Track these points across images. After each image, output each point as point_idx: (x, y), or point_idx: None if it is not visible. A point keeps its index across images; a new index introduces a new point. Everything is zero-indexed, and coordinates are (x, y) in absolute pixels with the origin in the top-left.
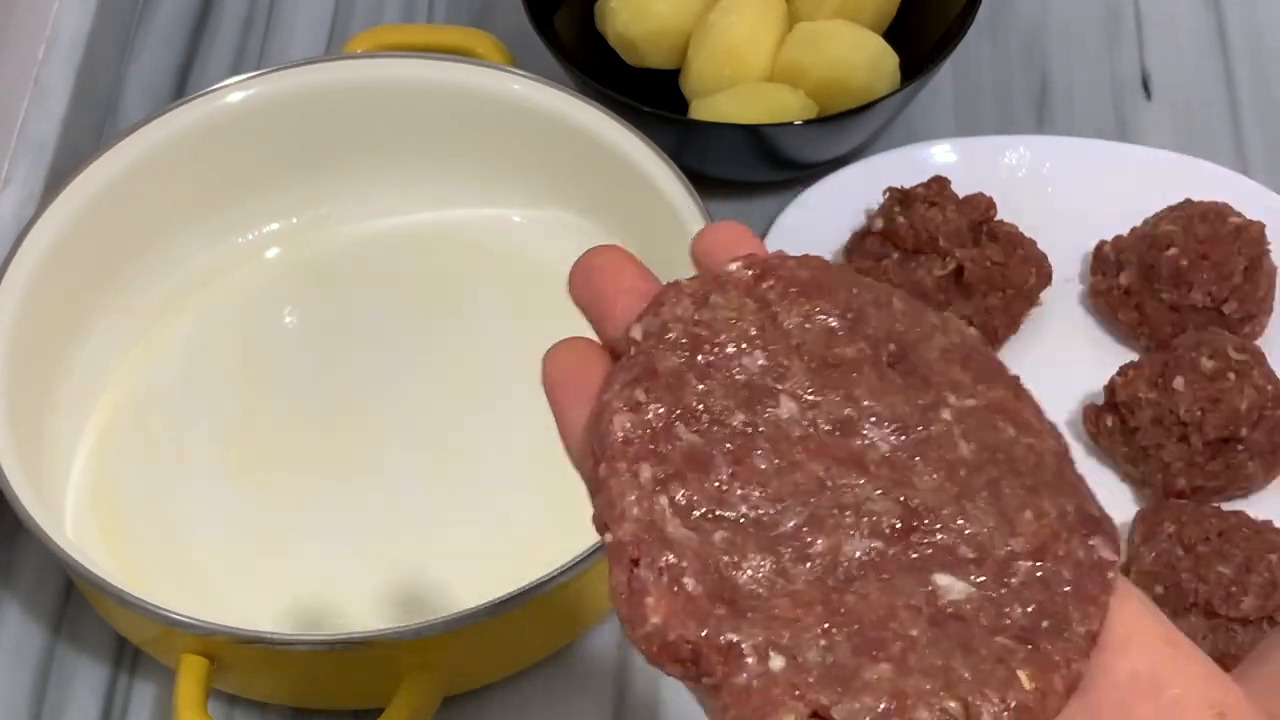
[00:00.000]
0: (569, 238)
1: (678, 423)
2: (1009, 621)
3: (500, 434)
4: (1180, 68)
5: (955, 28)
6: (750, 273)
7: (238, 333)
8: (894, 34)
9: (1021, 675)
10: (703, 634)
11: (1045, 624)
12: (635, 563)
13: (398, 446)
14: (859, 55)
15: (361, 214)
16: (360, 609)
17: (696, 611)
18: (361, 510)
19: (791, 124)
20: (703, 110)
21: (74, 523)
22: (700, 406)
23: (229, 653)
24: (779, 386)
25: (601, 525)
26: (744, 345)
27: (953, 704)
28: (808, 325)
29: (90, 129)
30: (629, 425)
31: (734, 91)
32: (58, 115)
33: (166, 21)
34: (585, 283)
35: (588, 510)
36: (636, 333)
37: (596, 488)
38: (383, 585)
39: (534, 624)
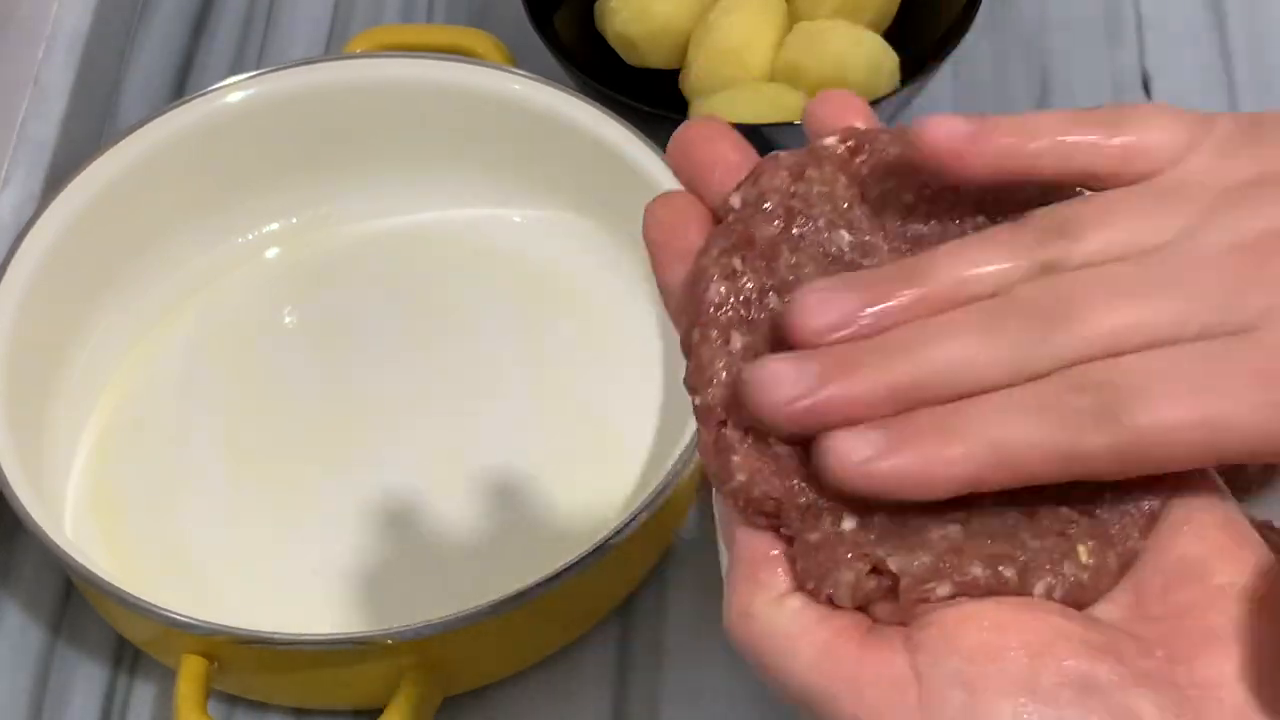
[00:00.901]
0: (569, 238)
1: (770, 293)
2: (1075, 489)
3: (501, 434)
4: (1180, 68)
5: (955, 28)
6: (845, 146)
7: (238, 333)
8: (894, 34)
9: (1080, 549)
10: (784, 491)
11: (1108, 495)
12: (722, 424)
13: (398, 446)
14: (859, 54)
15: (361, 214)
16: (360, 609)
17: (780, 470)
18: (361, 510)
19: (791, 124)
20: (704, 110)
21: (74, 523)
22: (792, 278)
23: (229, 653)
24: (864, 262)
25: (691, 388)
26: (835, 220)
27: (1008, 571)
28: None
29: (90, 129)
30: (723, 292)
31: (735, 91)
32: (58, 115)
33: (166, 21)
34: (684, 154)
35: (588, 510)
36: (735, 201)
37: (689, 351)
38: (383, 584)
39: (534, 624)
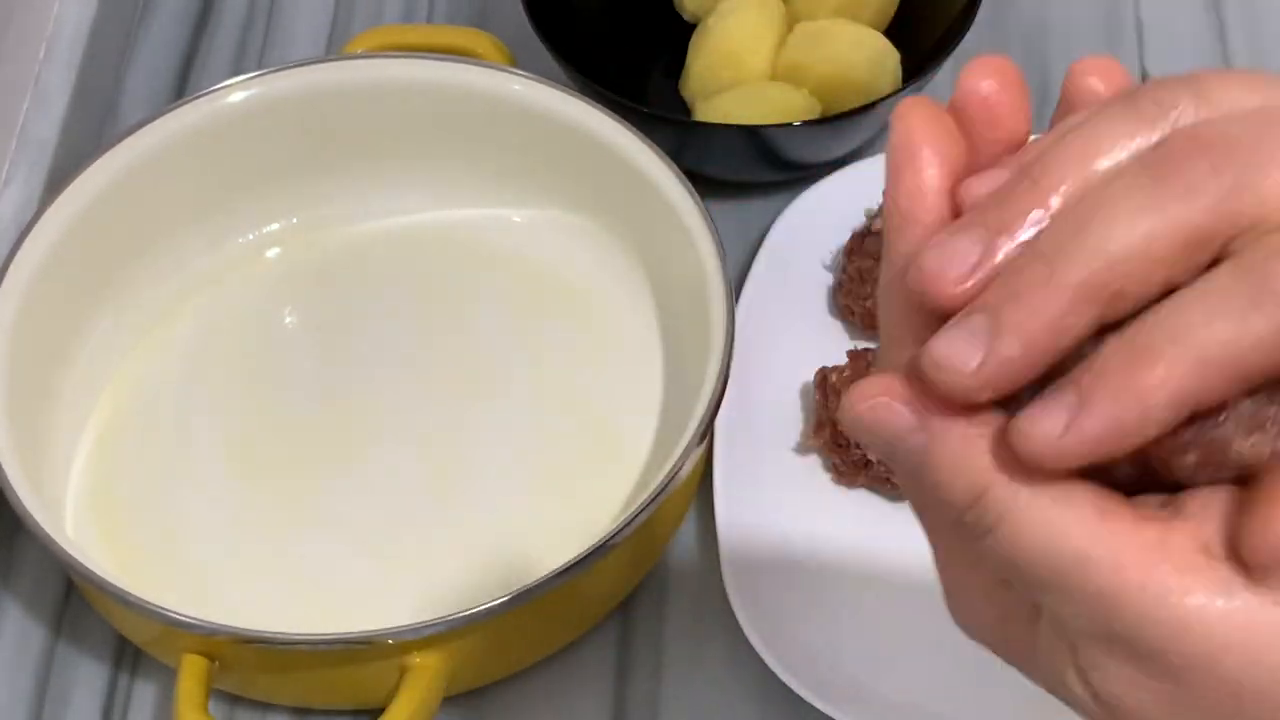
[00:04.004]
0: (569, 238)
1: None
2: None
3: (501, 434)
4: (1180, 68)
5: (955, 27)
6: None
7: (238, 332)
8: (893, 34)
9: None
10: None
11: None
12: None
13: (398, 446)
14: (860, 53)
15: (361, 214)
16: (360, 609)
17: None
18: (362, 510)
19: (792, 124)
20: (707, 112)
21: (74, 523)
22: None
23: (229, 653)
24: None
25: None
26: None
27: None
28: None
29: (90, 129)
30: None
31: (738, 92)
32: (58, 115)
33: (166, 21)
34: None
35: (588, 510)
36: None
37: None
38: (383, 585)
39: (534, 624)
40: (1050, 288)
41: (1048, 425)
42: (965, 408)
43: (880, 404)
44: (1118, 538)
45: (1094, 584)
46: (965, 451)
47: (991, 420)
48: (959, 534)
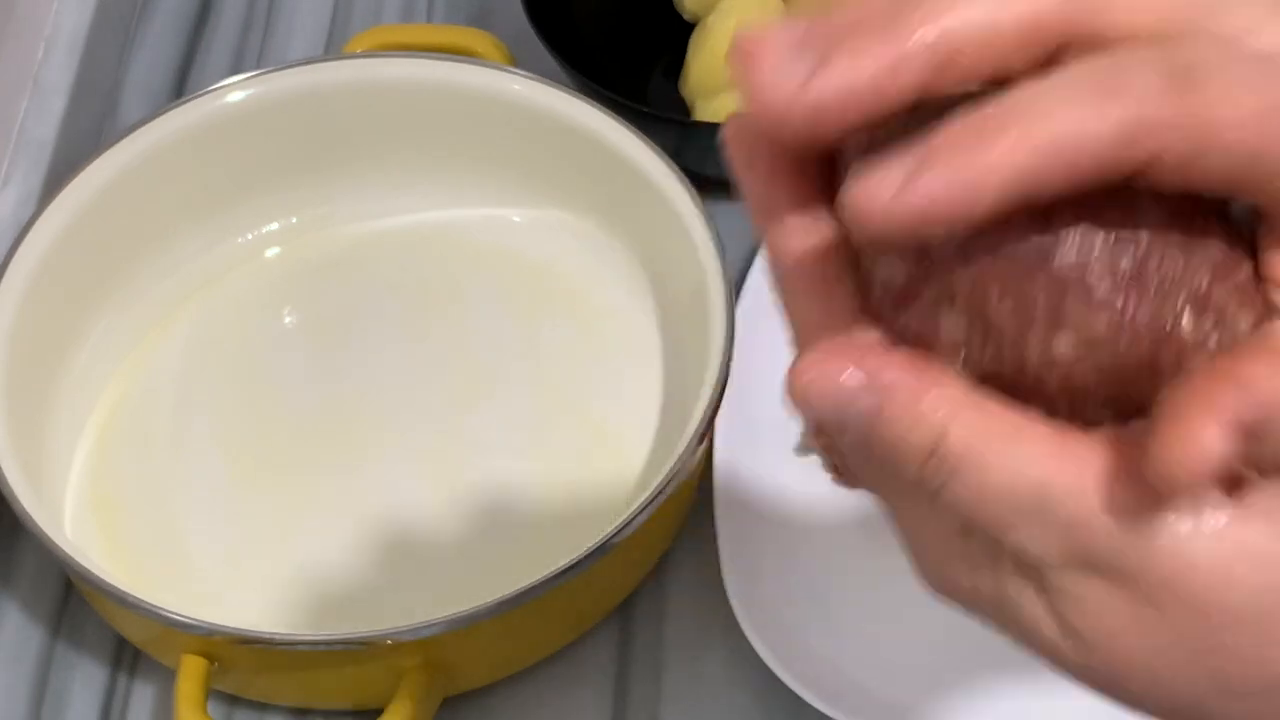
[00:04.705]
0: (569, 238)
1: None
2: None
3: (500, 433)
4: None
5: None
6: None
7: (238, 332)
8: None
9: None
10: None
11: None
12: None
13: (397, 446)
14: None
15: (361, 214)
16: (360, 608)
17: None
18: (361, 510)
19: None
20: (707, 112)
21: (74, 523)
22: None
23: (229, 653)
24: None
25: None
26: None
27: None
28: None
29: (90, 129)
30: None
31: (737, 92)
32: (57, 115)
33: (166, 21)
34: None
35: (588, 511)
36: None
37: None
38: (383, 585)
39: (534, 624)
40: (884, 41)
41: (880, 185)
42: (909, 364)
43: (825, 371)
44: (1079, 464)
45: (1059, 513)
46: (916, 401)
47: (938, 371)
48: (918, 491)
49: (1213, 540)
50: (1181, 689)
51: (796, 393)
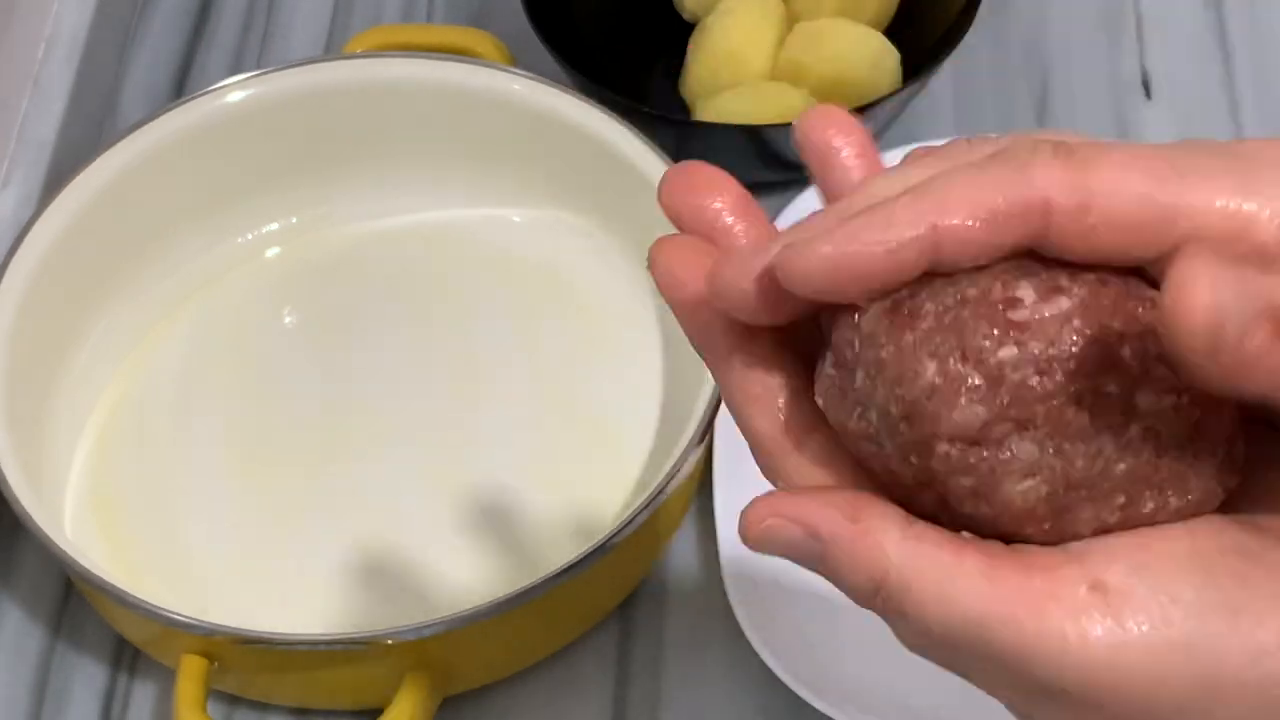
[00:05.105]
0: (569, 238)
1: None
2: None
3: (500, 433)
4: (1180, 68)
5: (955, 27)
6: None
7: (238, 332)
8: (893, 33)
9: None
10: None
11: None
12: None
13: (398, 446)
14: (860, 52)
15: (361, 214)
16: (361, 609)
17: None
18: (361, 510)
19: (792, 124)
20: (708, 111)
21: (74, 523)
22: None
23: (229, 653)
24: None
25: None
26: None
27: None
28: None
29: (90, 129)
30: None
31: (738, 92)
32: (58, 115)
33: (166, 21)
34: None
35: (587, 510)
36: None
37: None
38: (383, 584)
39: (534, 624)
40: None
41: (800, 244)
42: (847, 509)
43: (772, 525)
44: (1008, 593)
45: (996, 644)
46: (855, 549)
47: (876, 515)
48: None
49: (1144, 646)
50: None
51: (750, 540)
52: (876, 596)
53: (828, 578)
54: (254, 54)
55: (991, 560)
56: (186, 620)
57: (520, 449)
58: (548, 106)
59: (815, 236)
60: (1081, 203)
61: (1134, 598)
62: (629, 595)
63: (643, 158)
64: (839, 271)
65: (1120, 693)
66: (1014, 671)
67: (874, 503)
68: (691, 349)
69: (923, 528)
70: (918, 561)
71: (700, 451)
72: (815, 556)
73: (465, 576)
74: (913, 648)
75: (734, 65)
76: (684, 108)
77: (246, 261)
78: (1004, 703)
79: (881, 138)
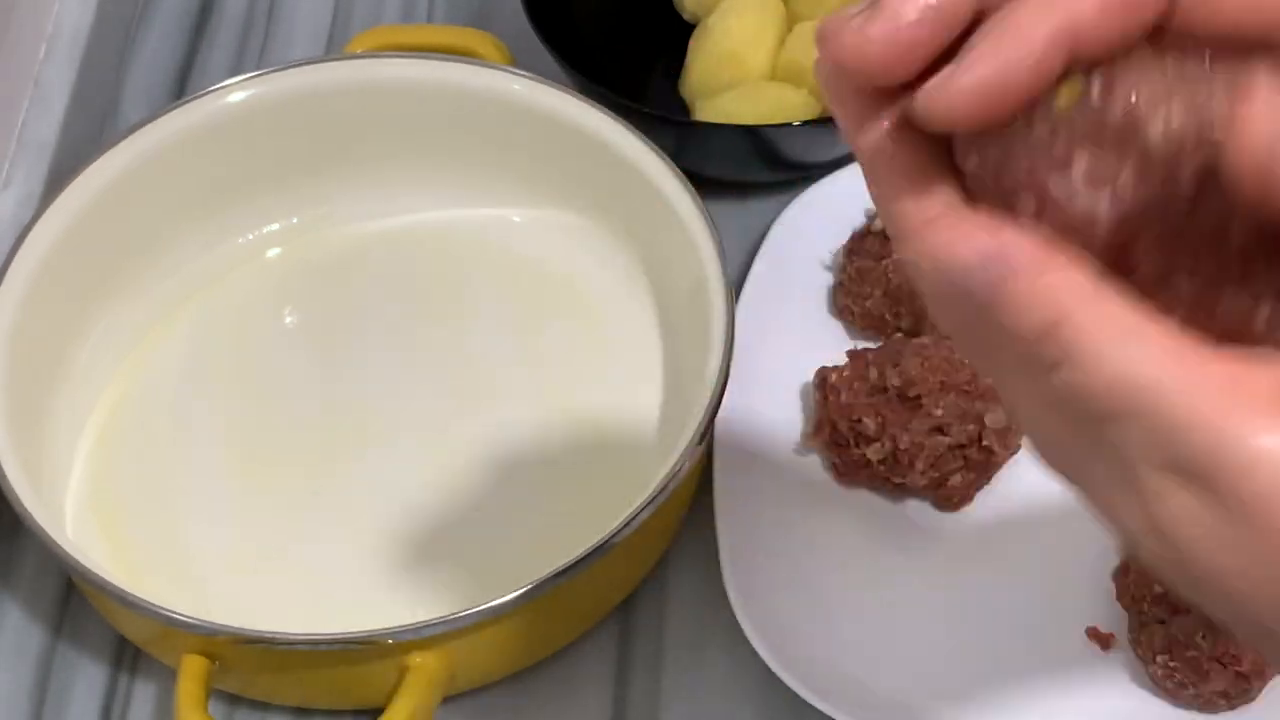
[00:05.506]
0: (569, 238)
1: None
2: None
3: (500, 433)
4: None
5: None
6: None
7: (238, 332)
8: None
9: None
10: None
11: None
12: None
13: (398, 446)
14: None
15: (361, 214)
16: (361, 608)
17: None
18: (361, 510)
19: (792, 124)
20: (707, 112)
21: (74, 522)
22: None
23: (230, 653)
24: None
25: None
26: None
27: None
28: None
29: (90, 129)
30: None
31: (738, 92)
32: (58, 115)
33: (166, 21)
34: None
35: (588, 510)
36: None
37: None
38: (383, 585)
39: (534, 624)
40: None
41: (939, 79)
42: (1041, 244)
43: (957, 237)
44: (1194, 370)
45: (1166, 415)
46: (1041, 283)
47: (1068, 259)
48: (1027, 369)
49: None
50: (1259, 608)
51: (924, 251)
52: (1043, 341)
53: (984, 316)
54: (254, 54)
55: (1176, 338)
56: (187, 620)
57: (519, 448)
58: (548, 106)
59: (947, 74)
60: None
61: None
62: (629, 595)
63: (643, 158)
64: (988, 97)
65: (1270, 502)
66: (1171, 448)
67: (1066, 249)
68: (692, 348)
69: (1112, 288)
70: (1102, 311)
71: (700, 451)
72: (987, 285)
73: (465, 576)
74: (1046, 409)
75: (734, 65)
76: (684, 108)
77: (247, 261)
78: (1125, 481)
79: None
